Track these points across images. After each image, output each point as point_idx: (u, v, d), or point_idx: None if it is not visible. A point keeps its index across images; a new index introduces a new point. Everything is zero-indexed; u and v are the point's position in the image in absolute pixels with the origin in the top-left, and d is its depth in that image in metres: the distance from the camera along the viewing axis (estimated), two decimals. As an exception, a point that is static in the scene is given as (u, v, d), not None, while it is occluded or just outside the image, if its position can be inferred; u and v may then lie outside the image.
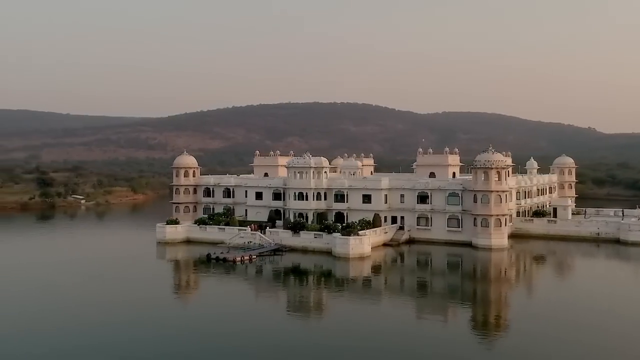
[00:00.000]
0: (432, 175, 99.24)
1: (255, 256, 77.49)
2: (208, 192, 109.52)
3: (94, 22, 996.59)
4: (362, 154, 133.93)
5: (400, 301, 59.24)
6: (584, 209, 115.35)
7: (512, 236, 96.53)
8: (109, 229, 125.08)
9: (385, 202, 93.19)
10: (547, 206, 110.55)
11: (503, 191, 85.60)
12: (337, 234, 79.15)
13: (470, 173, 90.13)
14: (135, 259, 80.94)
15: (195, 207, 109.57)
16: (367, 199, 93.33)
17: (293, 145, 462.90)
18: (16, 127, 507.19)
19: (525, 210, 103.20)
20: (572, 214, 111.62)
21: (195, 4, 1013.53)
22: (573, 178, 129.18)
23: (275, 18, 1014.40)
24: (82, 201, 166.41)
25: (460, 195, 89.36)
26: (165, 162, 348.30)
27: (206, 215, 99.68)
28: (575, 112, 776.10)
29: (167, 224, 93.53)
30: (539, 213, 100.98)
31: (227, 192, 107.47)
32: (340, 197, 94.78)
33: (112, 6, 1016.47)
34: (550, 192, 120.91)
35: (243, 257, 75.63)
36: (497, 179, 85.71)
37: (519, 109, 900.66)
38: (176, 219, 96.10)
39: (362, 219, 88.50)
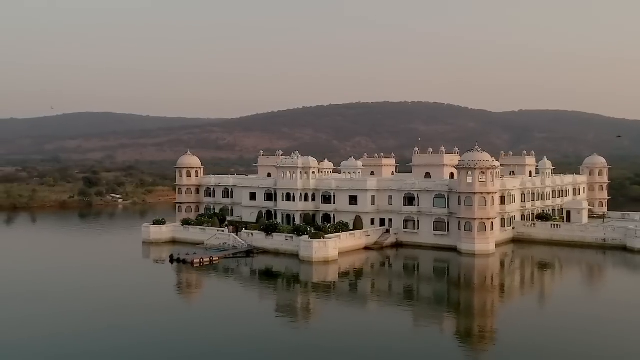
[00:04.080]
0: (427, 175, 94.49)
1: (217, 258, 75.96)
2: (209, 192, 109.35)
3: (174, 28, 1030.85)
4: (382, 154, 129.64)
5: (341, 311, 54.83)
6: (603, 212, 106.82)
7: (515, 241, 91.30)
8: (112, 227, 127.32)
9: (373, 204, 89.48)
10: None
11: (488, 193, 79.96)
12: (305, 237, 76.44)
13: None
14: (113, 259, 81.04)
15: (197, 207, 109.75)
16: (353, 200, 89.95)
17: (360, 145, 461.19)
18: (97, 129, 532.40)
19: (532, 214, 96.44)
20: (595, 217, 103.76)
21: (266, 5, 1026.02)
22: (604, 179, 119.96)
23: (344, 16, 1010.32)
24: (120, 200, 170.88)
25: (446, 197, 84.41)
26: (230, 162, 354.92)
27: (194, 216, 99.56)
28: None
29: (154, 223, 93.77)
30: (542, 217, 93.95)
31: (226, 193, 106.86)
32: (327, 198, 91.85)
33: (190, 14, 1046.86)
34: (575, 194, 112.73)
35: (202, 259, 74.20)
36: (482, 180, 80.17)
37: (602, 106, 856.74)
38: (162, 219, 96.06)
39: (340, 222, 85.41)
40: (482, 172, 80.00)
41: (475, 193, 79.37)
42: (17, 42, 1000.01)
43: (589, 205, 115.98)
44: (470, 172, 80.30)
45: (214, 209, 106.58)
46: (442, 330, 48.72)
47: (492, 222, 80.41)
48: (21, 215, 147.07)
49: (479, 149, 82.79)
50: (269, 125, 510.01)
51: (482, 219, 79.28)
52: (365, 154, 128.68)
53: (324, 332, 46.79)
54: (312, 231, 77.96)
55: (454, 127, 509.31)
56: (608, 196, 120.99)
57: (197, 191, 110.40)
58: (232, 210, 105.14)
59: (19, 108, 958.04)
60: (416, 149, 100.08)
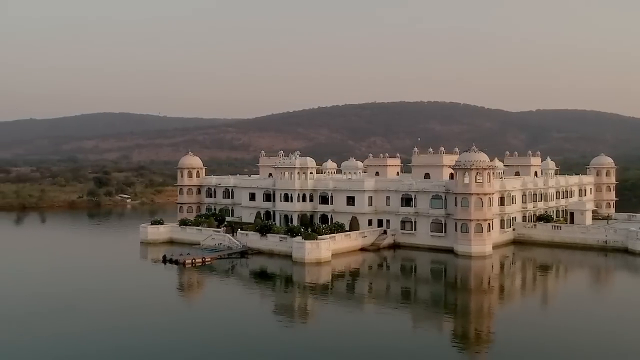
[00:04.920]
0: (427, 176, 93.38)
1: (209, 259, 75.71)
2: (210, 193, 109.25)
3: (192, 29, 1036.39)
4: (387, 154, 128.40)
5: (333, 312, 54.08)
6: (608, 213, 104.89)
7: (515, 243, 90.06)
8: (115, 227, 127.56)
9: (370, 205, 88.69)
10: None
11: (485, 194, 78.74)
12: (298, 238, 75.90)
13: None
14: (107, 260, 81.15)
15: (199, 207, 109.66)
16: (351, 201, 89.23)
17: (376, 145, 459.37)
18: (115, 129, 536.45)
19: (534, 215, 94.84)
20: (600, 218, 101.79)
21: (283, 4, 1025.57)
22: (612, 179, 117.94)
23: (361, 15, 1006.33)
24: (128, 200, 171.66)
25: (443, 197, 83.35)
26: (244, 162, 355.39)
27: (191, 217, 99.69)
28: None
29: (152, 224, 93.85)
30: (543, 218, 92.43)
31: (227, 193, 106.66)
32: (325, 199, 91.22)
33: (206, 15, 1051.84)
34: (581, 195, 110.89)
35: (194, 259, 73.97)
36: (479, 181, 78.98)
37: (621, 106, 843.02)
38: (160, 219, 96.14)
39: (335, 222, 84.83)
40: (478, 172, 78.82)
41: (471, 194, 78.24)
42: (37, 43, 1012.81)
43: (596, 207, 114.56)
44: (466, 173, 79.10)
45: (214, 209, 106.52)
46: (435, 333, 48.12)
47: (488, 224, 79.20)
48: (29, 215, 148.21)
49: (476, 149, 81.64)
50: (284, 126, 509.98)
51: (478, 220, 78.13)
52: (370, 154, 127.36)
53: (317, 334, 46.70)
54: (306, 232, 77.32)
55: (470, 127, 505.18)
56: (616, 197, 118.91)
57: (199, 191, 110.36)
58: (232, 210, 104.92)
59: (38, 109, 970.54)
60: (415, 149, 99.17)
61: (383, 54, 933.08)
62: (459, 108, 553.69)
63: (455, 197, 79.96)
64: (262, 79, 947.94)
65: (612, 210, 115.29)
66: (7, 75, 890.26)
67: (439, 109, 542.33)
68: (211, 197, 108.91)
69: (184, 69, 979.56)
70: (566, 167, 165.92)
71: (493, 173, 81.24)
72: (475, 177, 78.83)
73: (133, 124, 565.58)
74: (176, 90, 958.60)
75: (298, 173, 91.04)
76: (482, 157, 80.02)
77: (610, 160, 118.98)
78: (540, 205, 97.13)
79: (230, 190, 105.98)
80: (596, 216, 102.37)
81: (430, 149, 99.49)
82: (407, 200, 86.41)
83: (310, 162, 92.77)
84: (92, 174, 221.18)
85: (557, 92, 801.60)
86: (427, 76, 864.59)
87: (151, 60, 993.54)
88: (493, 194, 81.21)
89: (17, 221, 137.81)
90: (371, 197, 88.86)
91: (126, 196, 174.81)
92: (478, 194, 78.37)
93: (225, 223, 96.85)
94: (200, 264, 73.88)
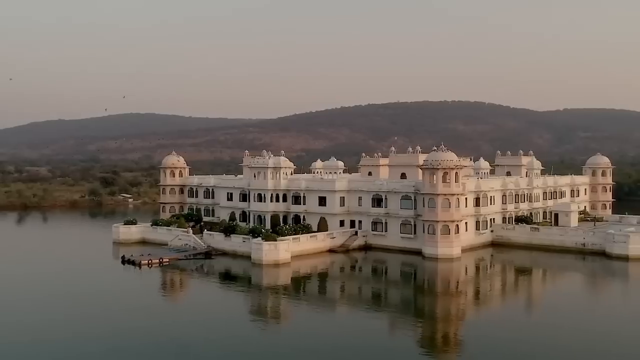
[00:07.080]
0: (403, 176, 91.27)
1: (167, 259, 74.71)
2: (192, 193, 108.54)
3: (223, 32, 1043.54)
4: (380, 153, 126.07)
5: (289, 316, 53.56)
6: (594, 215, 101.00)
7: (494, 245, 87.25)
8: (99, 226, 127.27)
9: (342, 205, 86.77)
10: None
11: (452, 194, 76.13)
12: (258, 239, 74.48)
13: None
14: (74, 260, 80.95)
15: (181, 207, 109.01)
16: (322, 201, 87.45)
17: (397, 145, 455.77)
18: (140, 130, 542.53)
19: (516, 216, 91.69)
20: (588, 220, 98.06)
21: (305, 5, 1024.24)
22: (608, 180, 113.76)
23: (382, 15, 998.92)
24: (130, 200, 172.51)
25: (413, 198, 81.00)
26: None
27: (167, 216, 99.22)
28: None
29: (125, 224, 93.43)
30: (521, 219, 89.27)
31: (207, 193, 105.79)
32: (298, 199, 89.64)
33: (231, 15, 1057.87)
34: (573, 196, 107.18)
35: (151, 260, 73.05)
36: (447, 181, 76.45)
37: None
38: (133, 219, 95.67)
39: (301, 223, 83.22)
40: (446, 172, 76.28)
41: (438, 194, 75.77)
42: (65, 47, 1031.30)
43: (592, 208, 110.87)
44: (434, 173, 76.66)
45: (196, 209, 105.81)
46: (399, 336, 46.94)
47: (457, 225, 76.56)
48: (29, 214, 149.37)
49: (445, 149, 79.11)
50: (306, 126, 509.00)
51: (445, 221, 75.62)
52: (363, 154, 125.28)
53: (283, 337, 46.26)
54: (266, 233, 75.91)
55: (494, 126, 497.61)
56: (613, 198, 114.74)
57: (182, 191, 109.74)
58: (213, 210, 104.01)
59: (67, 109, 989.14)
60: (392, 148, 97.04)
61: (407, 53, 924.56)
62: (483, 107, 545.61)
63: (423, 198, 77.61)
64: (286, 80, 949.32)
65: (609, 211, 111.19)
66: (37, 76, 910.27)
67: (463, 109, 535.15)
68: (193, 197, 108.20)
69: (209, 70, 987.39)
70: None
71: (458, 173, 78.31)
72: (443, 177, 76.31)
73: (158, 124, 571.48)
74: (202, 91, 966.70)
75: (271, 173, 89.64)
76: (450, 157, 77.47)
77: (606, 160, 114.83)
78: (524, 206, 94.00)
79: (210, 190, 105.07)
80: (586, 218, 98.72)
81: (410, 148, 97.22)
82: (377, 201, 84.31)
83: (284, 162, 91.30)
84: (101, 173, 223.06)
85: (585, 90, 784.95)
86: (451, 75, 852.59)
87: (178, 61, 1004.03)
88: (462, 194, 78.50)
89: (13, 220, 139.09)
90: (343, 197, 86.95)
91: (128, 195, 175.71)
92: (445, 195, 75.85)
93: (202, 223, 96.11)
94: (157, 265, 72.95)
